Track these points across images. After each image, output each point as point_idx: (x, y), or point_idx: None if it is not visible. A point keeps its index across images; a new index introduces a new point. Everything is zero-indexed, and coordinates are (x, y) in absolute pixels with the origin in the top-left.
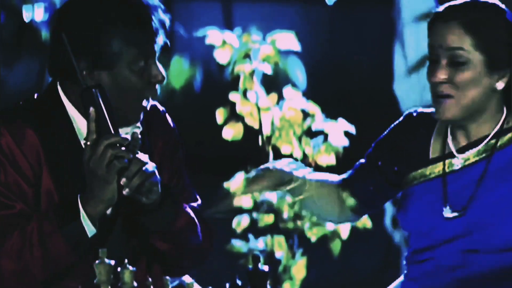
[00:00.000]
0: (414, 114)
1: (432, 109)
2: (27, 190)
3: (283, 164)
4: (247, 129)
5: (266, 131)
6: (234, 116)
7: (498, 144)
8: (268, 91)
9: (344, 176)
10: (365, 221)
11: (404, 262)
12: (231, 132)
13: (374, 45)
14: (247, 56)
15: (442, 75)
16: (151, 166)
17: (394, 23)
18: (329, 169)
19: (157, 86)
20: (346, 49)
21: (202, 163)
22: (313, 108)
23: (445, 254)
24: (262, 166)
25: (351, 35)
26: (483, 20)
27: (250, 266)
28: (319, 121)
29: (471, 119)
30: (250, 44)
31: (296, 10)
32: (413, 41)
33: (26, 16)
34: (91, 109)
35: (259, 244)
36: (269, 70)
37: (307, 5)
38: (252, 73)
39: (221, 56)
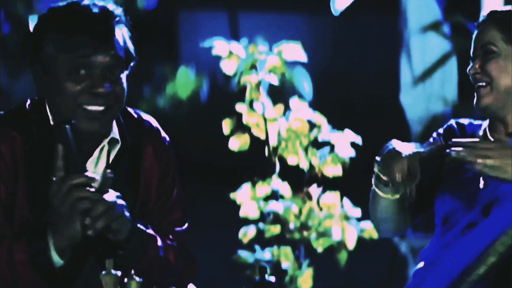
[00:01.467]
0: (459, 121)
1: (467, 120)
2: (3, 195)
3: None
4: (254, 140)
5: (273, 142)
6: (240, 127)
7: None
8: (274, 102)
9: None
10: (371, 232)
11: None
12: (238, 143)
13: (381, 55)
14: (253, 66)
15: (476, 66)
16: (119, 206)
17: (401, 33)
18: (335, 180)
19: (98, 97)
20: (352, 60)
21: (208, 173)
22: (320, 118)
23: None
24: None
25: (358, 46)
26: (511, 17)
27: (257, 277)
28: (326, 132)
29: (506, 109)
30: (257, 54)
31: (302, 21)
32: (420, 51)
33: (32, 26)
34: (59, 146)
35: (266, 254)
36: (275, 81)
37: (313, 15)
38: (258, 84)
39: (228, 67)
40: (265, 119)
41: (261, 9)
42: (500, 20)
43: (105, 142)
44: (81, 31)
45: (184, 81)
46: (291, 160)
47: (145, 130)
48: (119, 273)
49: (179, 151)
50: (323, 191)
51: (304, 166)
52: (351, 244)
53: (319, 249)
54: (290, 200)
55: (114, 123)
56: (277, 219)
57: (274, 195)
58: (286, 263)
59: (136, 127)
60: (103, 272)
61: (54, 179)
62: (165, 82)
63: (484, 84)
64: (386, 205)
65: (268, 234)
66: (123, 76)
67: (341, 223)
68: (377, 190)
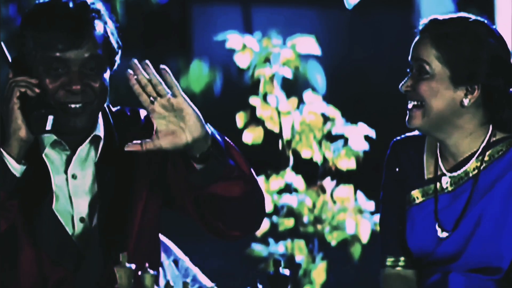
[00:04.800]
0: (399, 139)
1: (415, 133)
2: None
3: None
4: (267, 133)
5: (286, 135)
6: (254, 120)
7: (485, 159)
8: (288, 95)
9: (383, 260)
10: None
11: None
12: (251, 136)
13: (394, 49)
14: (267, 60)
15: (407, 84)
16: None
17: (414, 27)
18: (349, 173)
19: (74, 94)
20: (366, 53)
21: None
22: (333, 112)
23: (446, 271)
24: None
25: (371, 39)
26: (450, 34)
27: (271, 270)
28: (339, 125)
29: (442, 132)
30: (270, 48)
31: (315, 14)
32: None
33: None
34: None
35: (279, 248)
36: (289, 74)
37: (326, 9)
38: (272, 77)
39: (241, 60)
40: (279, 113)
41: (274, 2)
42: (438, 36)
43: (88, 140)
44: (56, 27)
45: (198, 75)
46: (305, 154)
47: (139, 127)
48: (133, 266)
49: None
50: (337, 185)
51: (318, 159)
52: (364, 238)
53: (333, 243)
54: (304, 194)
55: (101, 120)
56: (291, 212)
57: (288, 189)
58: (300, 257)
59: (128, 124)
60: (117, 266)
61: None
62: (179, 75)
63: (416, 103)
64: None
65: (281, 228)
66: (104, 72)
67: (355, 216)
68: None
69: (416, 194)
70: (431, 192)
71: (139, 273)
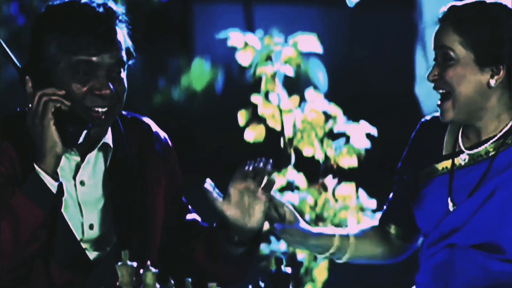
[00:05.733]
0: (428, 118)
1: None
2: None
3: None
4: (269, 131)
5: (288, 133)
6: (256, 118)
7: (506, 142)
8: (290, 93)
9: (380, 215)
10: None
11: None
12: (253, 134)
13: (396, 47)
14: (269, 58)
15: (434, 72)
16: None
17: (416, 25)
18: (350, 171)
19: (103, 98)
20: (367, 51)
21: (223, 165)
22: (335, 110)
23: (449, 246)
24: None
25: (373, 37)
26: (470, 18)
27: (273, 269)
28: (341, 123)
29: (475, 118)
30: (272, 46)
31: (317, 12)
32: None
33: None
34: (27, 77)
35: (281, 246)
36: (291, 72)
37: (328, 7)
38: (274, 75)
39: (243, 58)
40: (280, 111)
41: (276, 0)
42: (459, 20)
43: (96, 148)
44: (85, 31)
45: (199, 73)
46: (307, 152)
47: (145, 135)
48: (134, 264)
49: (194, 143)
50: (339, 183)
51: (320, 157)
52: None
53: None
54: (306, 192)
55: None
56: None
57: (290, 187)
58: (302, 255)
59: (132, 129)
60: (119, 263)
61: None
62: (180, 73)
63: (444, 91)
64: (357, 260)
65: None
66: (124, 75)
67: (357, 214)
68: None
69: (435, 167)
70: (447, 167)
71: (141, 271)
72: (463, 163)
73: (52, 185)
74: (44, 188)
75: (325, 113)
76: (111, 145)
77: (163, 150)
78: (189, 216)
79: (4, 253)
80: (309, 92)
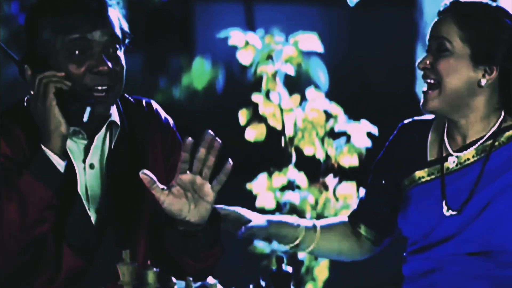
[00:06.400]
0: (406, 122)
1: (425, 116)
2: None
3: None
4: (270, 130)
5: (289, 132)
6: (256, 117)
7: (495, 144)
8: (290, 92)
9: (351, 212)
10: None
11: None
12: (254, 133)
13: (396, 46)
14: (269, 57)
15: (425, 61)
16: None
17: (416, 23)
18: (351, 170)
19: (101, 76)
20: (368, 50)
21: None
22: (336, 109)
23: (442, 254)
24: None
25: (374, 36)
26: (474, 15)
27: (274, 267)
28: (342, 122)
29: (458, 113)
30: (273, 45)
31: (318, 12)
32: None
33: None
34: (26, 66)
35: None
36: (291, 71)
37: (329, 6)
38: (274, 74)
39: (244, 57)
40: (281, 110)
41: (277, 0)
42: (461, 15)
43: (104, 126)
44: (76, 10)
45: (200, 72)
46: (308, 151)
47: (145, 114)
48: (136, 263)
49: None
50: (340, 182)
51: (321, 156)
52: None
53: None
54: (307, 191)
55: (114, 107)
56: (294, 209)
57: (291, 186)
58: (303, 254)
59: (135, 111)
60: (120, 263)
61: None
62: (181, 72)
63: (432, 81)
64: (321, 253)
65: None
66: (121, 54)
67: None
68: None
69: (421, 174)
70: (436, 172)
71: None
72: (451, 167)
73: (59, 164)
74: (51, 166)
75: (326, 112)
76: (119, 123)
77: (163, 130)
78: None
79: (11, 234)
80: (310, 91)
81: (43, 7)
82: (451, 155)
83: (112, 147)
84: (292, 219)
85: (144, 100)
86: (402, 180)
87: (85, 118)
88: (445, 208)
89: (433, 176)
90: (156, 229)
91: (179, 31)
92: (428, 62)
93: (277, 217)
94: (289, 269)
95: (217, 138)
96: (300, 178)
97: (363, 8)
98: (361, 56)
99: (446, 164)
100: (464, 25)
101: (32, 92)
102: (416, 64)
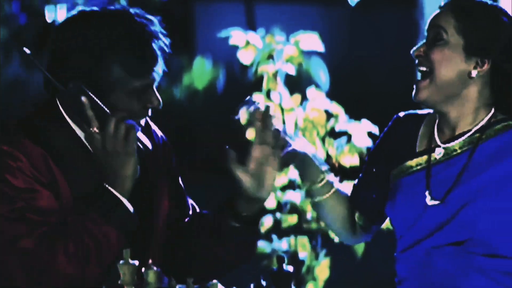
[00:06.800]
0: (401, 115)
1: (420, 111)
2: (55, 204)
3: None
4: None
5: (290, 131)
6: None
7: (483, 136)
8: (291, 92)
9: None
10: (388, 222)
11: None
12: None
13: (397, 46)
14: (270, 56)
15: (420, 49)
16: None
17: (417, 23)
18: (352, 169)
19: (152, 109)
20: (369, 50)
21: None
22: (337, 109)
23: (429, 246)
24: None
25: (374, 36)
26: (472, 9)
27: (275, 267)
28: (343, 122)
29: (449, 104)
30: (274, 44)
31: (319, 11)
32: None
33: (49, 17)
34: (83, 98)
35: (283, 244)
36: (292, 71)
37: (330, 6)
38: (275, 74)
39: (245, 57)
40: (282, 109)
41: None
42: (460, 8)
43: None
44: (150, 56)
45: (201, 72)
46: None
47: (144, 131)
48: (136, 262)
49: (195, 141)
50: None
51: (321, 156)
52: None
53: (336, 239)
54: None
55: None
56: (294, 209)
57: (291, 185)
58: (303, 253)
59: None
60: (121, 262)
61: (95, 129)
62: (182, 72)
63: (425, 70)
64: (326, 211)
65: (285, 224)
66: None
67: None
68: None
69: (409, 164)
70: (423, 162)
71: (143, 269)
72: (438, 157)
73: (130, 206)
74: (130, 216)
75: (326, 112)
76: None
77: (161, 145)
78: (190, 211)
79: (89, 280)
80: (310, 91)
81: (114, 40)
82: (439, 146)
83: None
84: (323, 166)
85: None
86: (392, 170)
87: None
88: (428, 197)
89: (420, 167)
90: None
91: (179, 30)
92: (422, 50)
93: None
94: (290, 268)
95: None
96: None
97: (364, 8)
98: (362, 55)
99: (433, 155)
100: (461, 18)
101: (94, 129)
102: (411, 51)
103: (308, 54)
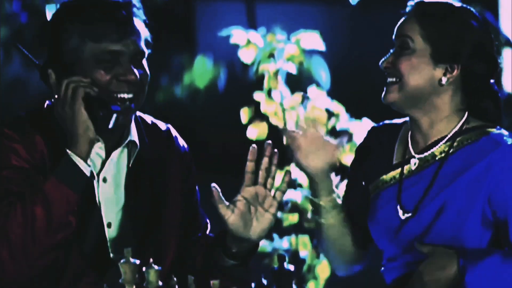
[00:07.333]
0: (376, 126)
1: (395, 120)
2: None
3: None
4: (272, 128)
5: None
6: (258, 115)
7: (454, 145)
8: (292, 91)
9: None
10: None
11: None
12: (256, 132)
13: None
14: (271, 55)
15: (388, 60)
16: None
17: None
18: None
19: (128, 84)
20: (370, 49)
21: (226, 163)
22: (338, 107)
23: (411, 260)
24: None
25: (375, 35)
26: (436, 14)
27: (276, 266)
28: (344, 121)
29: (420, 111)
30: (275, 43)
31: (320, 10)
32: None
33: (49, 15)
34: (49, 70)
35: (284, 243)
36: (293, 70)
37: (331, 5)
38: (276, 73)
39: (246, 56)
40: (283, 108)
41: None
42: (424, 15)
43: (123, 144)
44: (107, 19)
45: (202, 70)
46: None
47: (163, 138)
48: (137, 261)
49: (197, 141)
50: (341, 180)
51: None
52: None
53: None
54: (308, 189)
55: (133, 126)
56: (295, 208)
57: (292, 184)
58: (304, 252)
59: (154, 134)
60: (122, 261)
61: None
62: (182, 71)
63: (394, 79)
64: (328, 234)
65: (286, 223)
66: (145, 63)
67: None
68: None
69: (384, 178)
70: (397, 176)
71: (144, 268)
72: (413, 168)
73: (86, 168)
74: (77, 171)
75: (327, 111)
76: (138, 143)
77: (182, 156)
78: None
79: (35, 237)
80: (311, 90)
81: (72, 13)
82: (414, 157)
83: (130, 165)
84: (335, 188)
85: (163, 124)
86: (370, 184)
87: (111, 125)
88: (400, 211)
89: (394, 181)
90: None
91: (180, 29)
92: (390, 61)
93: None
94: (291, 267)
95: (275, 149)
96: (302, 177)
97: (364, 7)
98: (363, 54)
99: (407, 167)
100: (426, 24)
101: (56, 96)
102: (379, 63)
103: (309, 53)
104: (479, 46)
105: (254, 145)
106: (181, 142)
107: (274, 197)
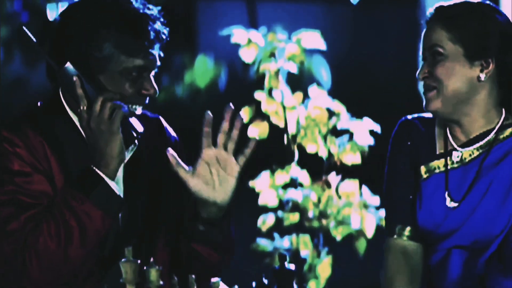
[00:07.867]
0: (409, 117)
1: (424, 115)
2: (49, 189)
3: None
4: (273, 128)
5: (292, 130)
6: (259, 115)
7: (498, 138)
8: (293, 90)
9: (388, 229)
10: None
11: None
12: (257, 131)
13: (399, 44)
14: (272, 55)
15: (424, 70)
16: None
17: (419, 22)
18: (354, 168)
19: (147, 98)
20: (371, 48)
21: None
22: (339, 107)
23: (448, 246)
24: None
25: (376, 34)
26: (458, 14)
27: (277, 265)
28: (345, 120)
29: (461, 112)
30: (276, 43)
31: (321, 9)
32: None
33: (50, 14)
34: (75, 78)
35: (285, 243)
36: (294, 69)
37: (332, 4)
38: (277, 72)
39: (247, 55)
40: (284, 107)
41: None
42: (447, 18)
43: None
44: (140, 35)
45: (203, 70)
46: (310, 148)
47: (154, 128)
48: (138, 261)
49: (197, 140)
50: (342, 179)
51: (323, 154)
52: (369, 232)
53: (338, 237)
54: (309, 188)
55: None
56: (296, 207)
57: (293, 183)
58: (305, 251)
59: (145, 125)
60: (123, 260)
61: (82, 108)
62: (183, 70)
63: (433, 87)
64: None
65: (287, 222)
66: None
67: (360, 211)
68: None
69: (426, 168)
70: (441, 166)
71: (145, 268)
72: (457, 161)
73: (119, 191)
74: (113, 196)
75: (328, 110)
76: (136, 141)
77: (173, 145)
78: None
79: (69, 258)
80: (312, 89)
81: (107, 20)
82: (456, 149)
83: (127, 161)
84: None
85: (150, 115)
86: (417, 170)
87: (129, 151)
88: (448, 199)
89: (436, 171)
90: (178, 232)
91: (181, 28)
92: (426, 70)
93: None
94: (292, 266)
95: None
96: (303, 176)
97: (365, 6)
98: (364, 54)
99: (450, 159)
100: (452, 27)
101: (82, 107)
102: (416, 75)
103: (310, 52)
104: (506, 36)
105: (209, 112)
106: (171, 131)
107: (237, 160)
